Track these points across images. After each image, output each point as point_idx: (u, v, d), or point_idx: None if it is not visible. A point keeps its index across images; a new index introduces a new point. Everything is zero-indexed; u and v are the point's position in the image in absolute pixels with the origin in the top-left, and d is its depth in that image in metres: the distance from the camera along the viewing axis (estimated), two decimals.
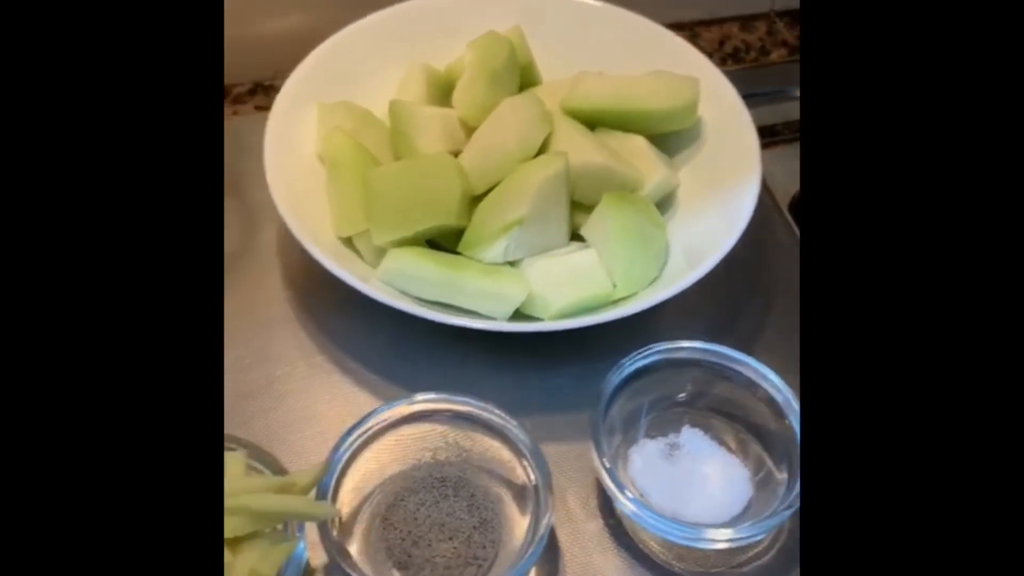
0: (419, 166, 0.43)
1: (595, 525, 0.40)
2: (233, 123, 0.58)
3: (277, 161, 0.45)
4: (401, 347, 0.45)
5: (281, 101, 0.48)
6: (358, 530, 0.38)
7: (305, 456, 0.41)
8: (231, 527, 0.33)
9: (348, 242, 0.45)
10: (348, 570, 0.34)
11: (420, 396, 0.39)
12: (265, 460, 0.37)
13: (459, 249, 0.44)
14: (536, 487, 0.37)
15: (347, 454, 0.37)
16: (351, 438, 0.37)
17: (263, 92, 0.63)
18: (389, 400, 0.43)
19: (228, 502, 0.33)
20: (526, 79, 0.50)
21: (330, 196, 0.45)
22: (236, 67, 0.62)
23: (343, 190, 0.44)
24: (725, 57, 0.68)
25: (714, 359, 0.40)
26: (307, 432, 0.42)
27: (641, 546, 0.39)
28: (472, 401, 0.38)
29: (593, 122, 0.47)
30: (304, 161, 0.47)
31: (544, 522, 0.35)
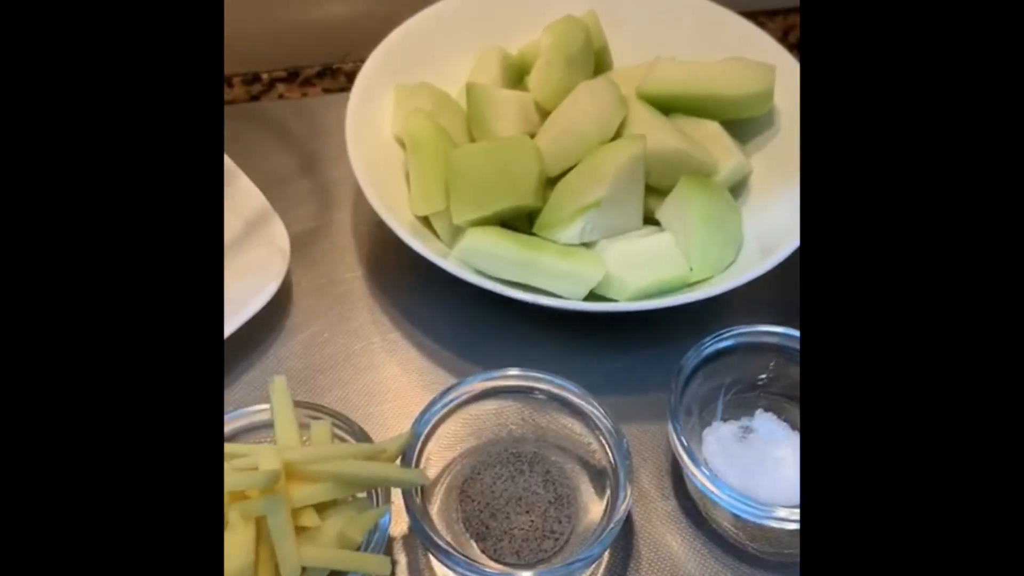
0: (499, 147, 0.44)
1: (668, 505, 0.40)
2: (303, 104, 0.59)
3: (358, 141, 0.46)
4: (474, 325, 0.46)
5: (361, 83, 0.49)
6: (435, 501, 0.39)
7: (379, 429, 0.42)
8: (320, 492, 0.34)
9: (425, 221, 0.46)
10: (433, 537, 0.34)
11: (498, 372, 0.39)
12: (350, 429, 0.38)
13: (535, 230, 0.44)
14: (614, 468, 0.37)
15: (428, 426, 0.38)
16: (433, 410, 0.38)
17: (331, 75, 0.64)
18: (463, 375, 0.44)
19: (316, 467, 0.34)
20: (599, 64, 0.51)
21: (409, 176, 0.46)
22: (305, 50, 0.63)
23: (423, 170, 0.45)
24: (790, 48, 0.68)
25: (792, 344, 0.40)
26: (382, 406, 0.43)
27: (714, 526, 0.39)
28: (552, 379, 0.39)
29: (668, 107, 0.48)
30: (381, 142, 0.48)
31: (623, 504, 0.35)
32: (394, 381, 0.44)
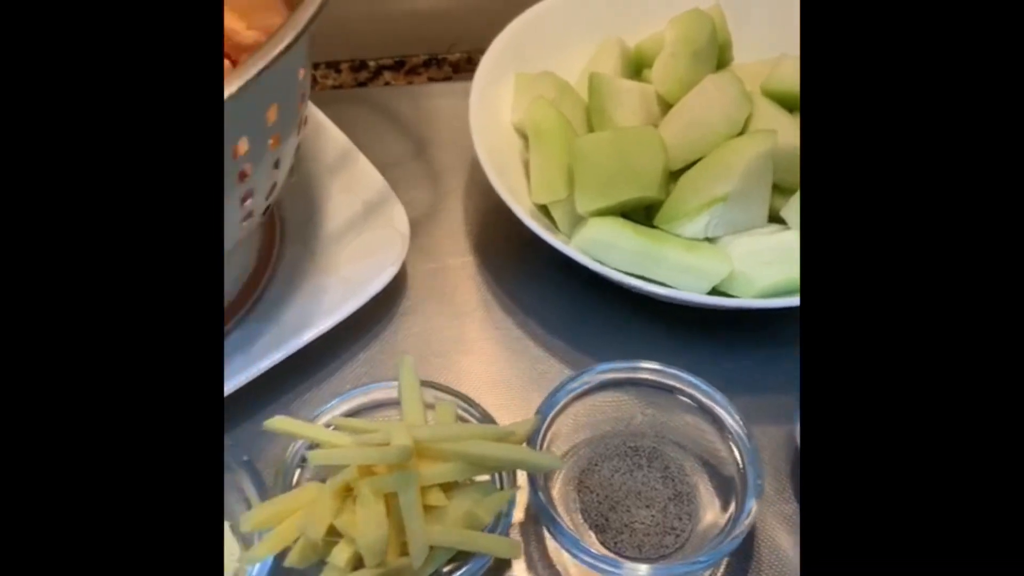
0: (625, 137, 0.44)
1: (789, 508, 0.39)
2: (410, 91, 0.60)
3: (480, 129, 0.46)
4: (587, 316, 0.46)
5: (482, 70, 0.49)
6: (553, 490, 0.38)
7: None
8: (449, 471, 0.34)
9: (542, 210, 0.46)
10: (560, 522, 0.34)
11: (624, 364, 0.39)
12: (475, 411, 0.38)
13: (657, 222, 0.44)
14: (742, 470, 0.36)
15: (552, 412, 0.38)
16: (558, 396, 0.38)
17: (436, 64, 0.64)
18: (574, 366, 0.44)
19: (447, 446, 0.34)
20: (721, 58, 0.50)
21: (530, 164, 0.46)
22: (412, 39, 0.64)
23: (546, 159, 0.45)
24: None
25: None
26: (492, 392, 0.43)
27: None
28: (681, 375, 0.38)
29: (792, 105, 0.47)
30: (500, 130, 0.48)
31: (752, 507, 0.35)
32: (505, 368, 0.44)
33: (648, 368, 0.39)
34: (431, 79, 0.64)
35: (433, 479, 0.34)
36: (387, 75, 0.64)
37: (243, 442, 0.40)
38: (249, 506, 0.35)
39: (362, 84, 0.63)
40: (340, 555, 0.31)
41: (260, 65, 0.30)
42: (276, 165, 0.37)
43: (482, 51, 0.50)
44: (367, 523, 0.31)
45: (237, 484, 0.36)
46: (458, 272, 0.48)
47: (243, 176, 0.35)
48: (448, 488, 0.35)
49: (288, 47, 0.31)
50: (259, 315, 0.44)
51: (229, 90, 0.29)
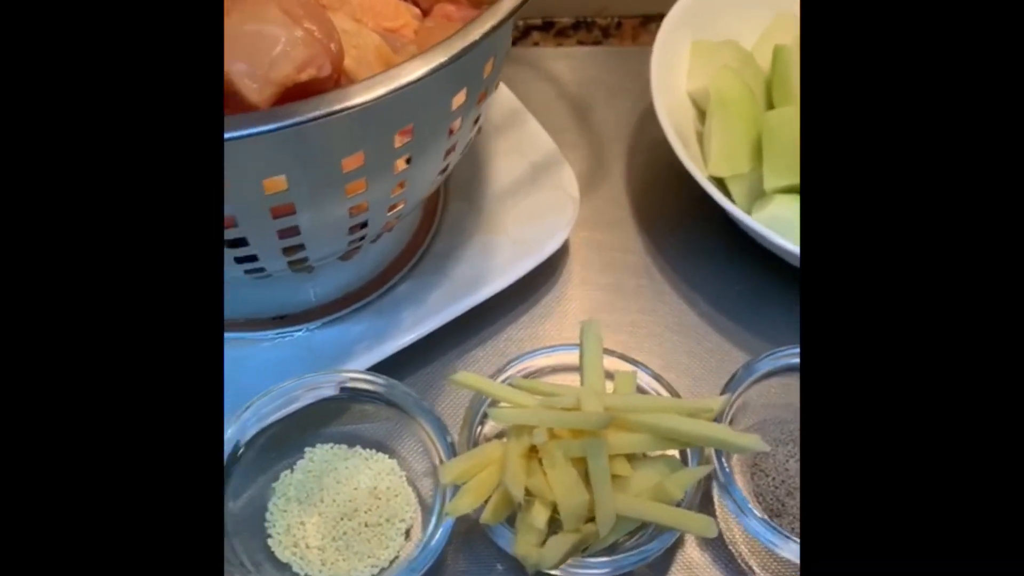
0: None
1: None
2: (561, 53, 0.59)
3: (661, 96, 0.44)
4: (762, 295, 0.44)
5: (662, 36, 0.47)
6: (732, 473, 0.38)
7: None
8: (638, 443, 0.33)
9: (717, 183, 0.45)
10: (739, 504, 0.33)
11: (789, 349, 0.37)
12: (659, 384, 0.37)
13: None
14: None
15: (736, 393, 0.37)
16: (740, 377, 0.37)
17: (585, 27, 0.63)
18: (741, 345, 0.43)
19: (637, 417, 0.33)
20: None
21: (711, 135, 0.44)
22: (560, 1, 0.63)
23: (728, 130, 0.43)
24: None
25: None
26: (657, 368, 0.42)
27: None
28: None
29: None
30: (675, 98, 0.47)
31: None
32: (669, 342, 0.43)
33: None
34: (580, 42, 0.62)
35: (621, 448, 0.33)
36: (536, 35, 0.63)
37: (417, 391, 0.40)
38: (429, 454, 0.36)
39: (512, 43, 0.62)
40: (539, 517, 0.31)
41: (500, 16, 0.29)
42: (477, 120, 0.37)
43: (632, 17, 0.48)
44: (566, 488, 0.31)
45: (419, 430, 0.36)
46: (620, 241, 0.47)
47: (451, 132, 0.34)
48: (634, 459, 0.34)
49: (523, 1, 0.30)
50: (427, 268, 0.43)
51: (468, 40, 0.29)
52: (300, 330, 0.41)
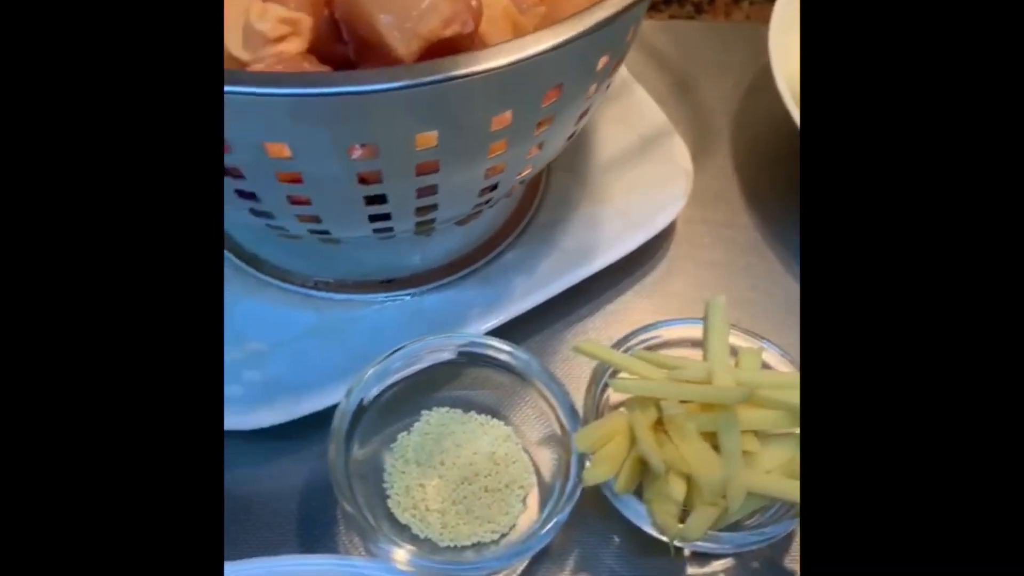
0: None
1: None
2: (661, 26, 0.58)
3: (780, 65, 0.44)
4: None
5: (778, 12, 0.46)
6: None
7: None
8: (770, 419, 0.33)
9: None
10: None
11: None
12: (787, 360, 0.36)
13: None
14: None
15: None
16: None
17: (677, 2, 0.62)
18: None
19: (770, 393, 0.33)
20: None
21: None
22: None
23: None
24: None
25: None
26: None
27: None
28: None
29: None
30: (791, 70, 0.46)
31: None
32: (782, 323, 0.42)
33: None
34: (672, 16, 0.61)
35: (751, 424, 0.33)
36: None
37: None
38: (547, 420, 0.35)
39: None
40: (677, 488, 0.31)
41: None
42: (608, 86, 0.36)
43: None
44: (704, 461, 0.31)
45: (536, 397, 0.36)
46: (728, 217, 0.46)
47: (589, 95, 0.34)
48: (766, 436, 0.34)
49: None
50: (533, 238, 0.43)
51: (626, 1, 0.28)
52: (408, 294, 0.41)
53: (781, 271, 0.44)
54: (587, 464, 0.32)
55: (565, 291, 0.41)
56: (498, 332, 0.40)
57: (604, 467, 0.31)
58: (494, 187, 0.34)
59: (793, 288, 0.43)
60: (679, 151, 0.45)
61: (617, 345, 0.37)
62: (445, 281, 0.41)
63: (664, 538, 0.32)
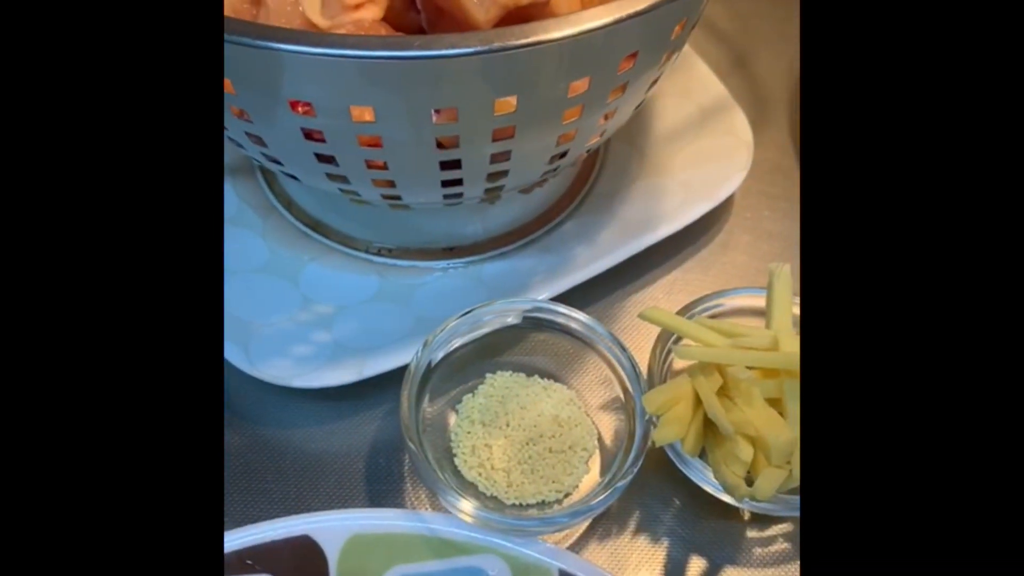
0: None
1: None
2: None
3: None
4: None
5: None
6: None
7: None
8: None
9: None
10: None
11: None
12: None
13: None
14: None
15: None
16: None
17: None
18: None
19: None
20: None
21: None
22: None
23: None
24: None
25: None
26: None
27: None
28: None
29: None
30: None
31: None
32: None
33: None
34: None
35: None
36: None
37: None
38: (610, 386, 0.36)
39: None
40: (745, 449, 0.31)
41: None
42: (678, 56, 0.36)
43: None
44: (772, 424, 0.31)
45: (598, 362, 0.36)
46: (787, 191, 0.46)
47: (661, 63, 0.34)
48: None
49: None
50: (593, 208, 0.43)
51: None
52: (469, 262, 0.42)
53: None
54: (653, 427, 0.33)
55: (625, 261, 0.42)
56: (559, 300, 0.40)
57: (673, 428, 0.32)
58: (563, 154, 0.35)
59: None
60: (740, 123, 0.45)
61: (680, 313, 0.37)
62: (506, 249, 0.42)
63: (728, 499, 0.33)
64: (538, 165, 0.35)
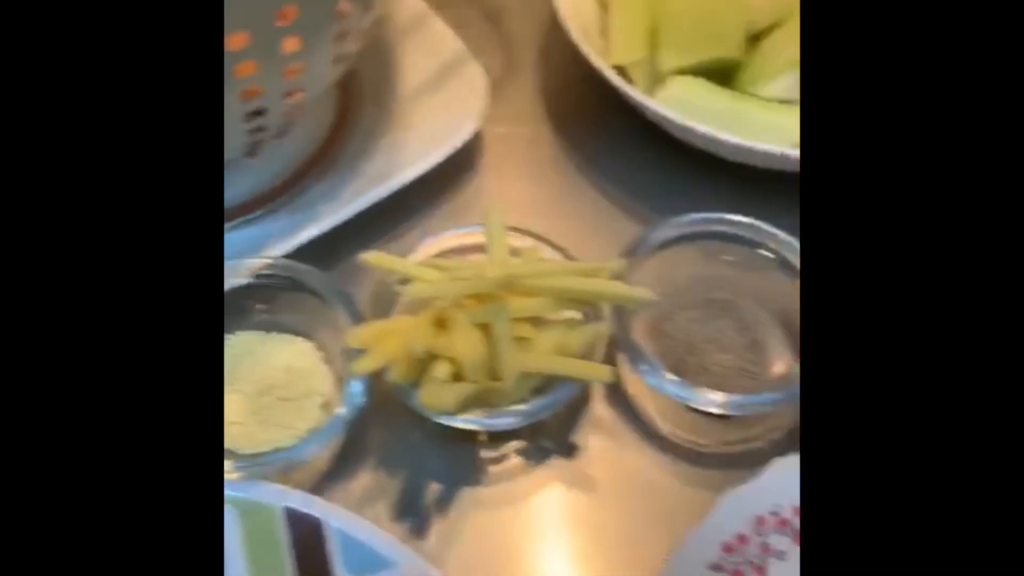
0: None
1: None
2: None
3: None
4: (669, 177, 0.46)
5: None
6: (632, 335, 0.39)
7: None
8: (539, 306, 0.35)
9: (621, 74, 0.46)
10: (644, 354, 0.36)
11: (697, 216, 0.39)
12: (562, 256, 0.39)
13: (738, 84, 0.44)
14: None
15: (633, 260, 0.38)
16: (638, 246, 0.39)
17: None
18: (651, 225, 0.44)
19: (537, 281, 0.35)
20: None
21: (611, 25, 0.46)
22: None
23: (627, 17, 0.44)
24: None
25: None
26: (573, 252, 0.44)
27: None
28: (759, 226, 0.39)
29: None
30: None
31: None
32: (582, 229, 0.44)
33: (728, 220, 0.39)
34: None
35: (523, 312, 0.35)
36: None
37: (338, 280, 0.41)
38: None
39: None
40: (440, 369, 0.33)
41: None
42: (368, 7, 0.37)
43: None
44: (467, 344, 0.33)
45: (336, 316, 0.37)
46: (534, 136, 0.48)
47: (340, 15, 0.35)
48: (538, 324, 0.36)
49: None
50: (339, 169, 0.44)
51: None
52: None
53: (583, 183, 0.46)
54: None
55: (378, 217, 0.43)
56: (310, 259, 0.41)
57: (372, 359, 0.33)
58: (260, 112, 0.36)
59: (592, 194, 0.46)
60: (476, 75, 0.46)
61: (408, 255, 0.39)
62: (251, 216, 0.43)
63: (437, 419, 0.34)
64: (234, 125, 0.36)
